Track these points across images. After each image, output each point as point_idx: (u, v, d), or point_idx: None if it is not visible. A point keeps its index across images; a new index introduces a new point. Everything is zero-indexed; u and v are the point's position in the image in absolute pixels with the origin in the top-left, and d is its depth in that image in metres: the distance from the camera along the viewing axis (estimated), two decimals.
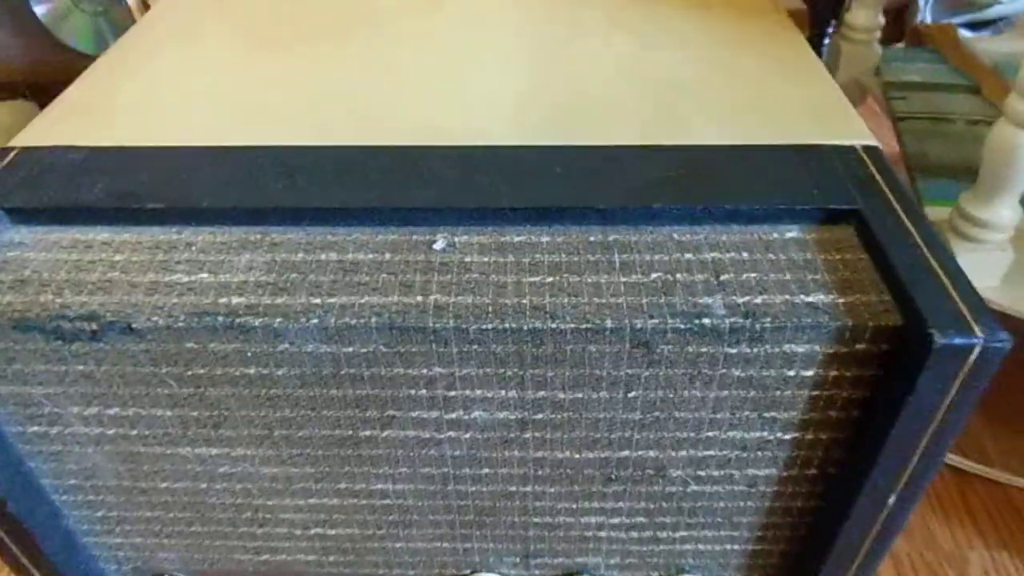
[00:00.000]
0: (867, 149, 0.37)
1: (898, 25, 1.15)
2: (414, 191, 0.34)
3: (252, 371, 0.31)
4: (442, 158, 0.36)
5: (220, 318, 0.29)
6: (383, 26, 0.50)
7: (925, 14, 1.14)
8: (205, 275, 0.31)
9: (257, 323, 0.29)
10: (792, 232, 0.33)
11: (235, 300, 0.30)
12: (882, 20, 0.70)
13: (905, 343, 0.29)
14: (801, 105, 0.40)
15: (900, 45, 0.80)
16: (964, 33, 0.78)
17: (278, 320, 0.29)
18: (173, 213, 0.33)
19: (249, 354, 0.31)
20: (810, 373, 0.31)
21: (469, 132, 0.38)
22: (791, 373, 0.31)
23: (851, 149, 0.37)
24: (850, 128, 0.38)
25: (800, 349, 0.30)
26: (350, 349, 0.30)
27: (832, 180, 0.34)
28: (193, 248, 0.33)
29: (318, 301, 0.30)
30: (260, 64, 0.46)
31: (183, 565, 0.42)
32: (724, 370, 0.31)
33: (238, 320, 0.29)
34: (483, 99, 0.41)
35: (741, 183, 0.34)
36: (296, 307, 0.30)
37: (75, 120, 0.40)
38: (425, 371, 0.31)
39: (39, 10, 0.73)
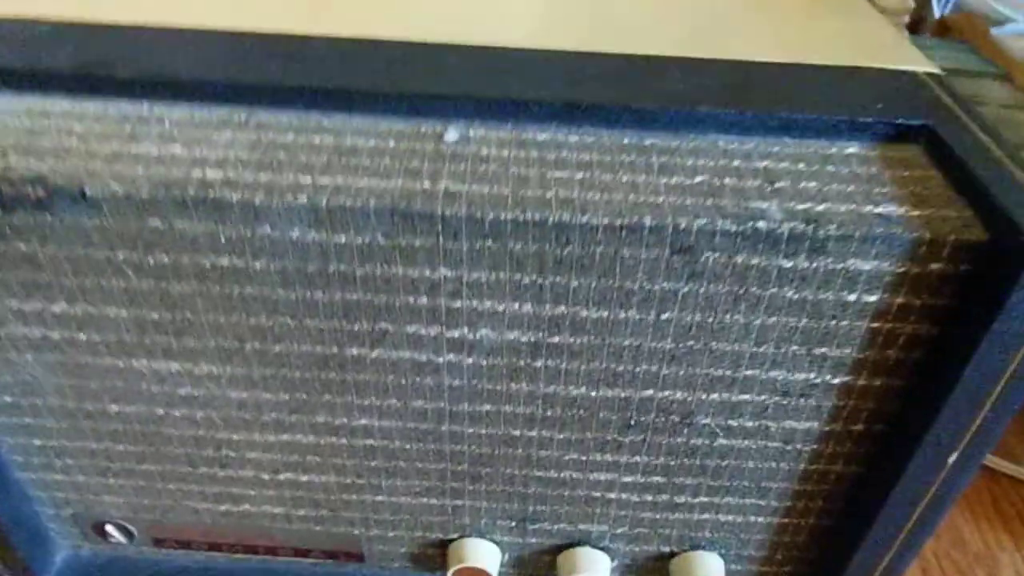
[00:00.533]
0: (931, 75, 0.33)
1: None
2: (423, 79, 0.30)
3: (225, 262, 0.27)
4: (460, 54, 0.32)
5: (191, 190, 0.25)
6: None
7: (937, 16, 1.12)
8: (177, 148, 0.27)
9: (234, 198, 0.25)
10: (852, 147, 0.29)
11: (210, 174, 0.26)
12: (912, 3, 0.68)
13: (992, 260, 0.25)
14: (851, 31, 0.37)
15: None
16: (988, 28, 0.76)
17: (260, 196, 0.25)
18: (146, 84, 0.29)
19: (223, 239, 0.26)
20: (873, 298, 0.27)
21: (492, 33, 0.34)
22: (851, 297, 0.27)
23: (912, 73, 0.33)
24: (909, 55, 0.35)
25: (866, 266, 0.26)
26: (342, 239, 0.26)
27: (896, 97, 0.31)
28: (166, 123, 0.28)
29: (308, 180, 0.26)
30: None
31: (130, 513, 0.37)
32: (775, 289, 0.26)
33: (212, 194, 0.25)
34: (507, 4, 0.37)
35: (795, 96, 0.30)
36: (282, 184, 0.25)
37: None
38: (428, 272, 0.27)
39: None
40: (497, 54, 0.32)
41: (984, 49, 0.67)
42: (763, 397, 0.30)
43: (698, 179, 0.27)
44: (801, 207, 0.26)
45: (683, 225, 0.25)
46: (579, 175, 0.27)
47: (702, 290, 0.27)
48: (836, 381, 0.29)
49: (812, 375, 0.29)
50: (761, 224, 0.25)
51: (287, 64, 0.30)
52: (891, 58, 0.34)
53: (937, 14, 0.89)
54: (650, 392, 0.30)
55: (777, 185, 0.27)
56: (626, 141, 0.29)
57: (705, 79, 0.31)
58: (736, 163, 0.28)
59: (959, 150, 0.27)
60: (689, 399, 0.30)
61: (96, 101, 0.29)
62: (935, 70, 0.33)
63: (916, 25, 0.75)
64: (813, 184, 0.27)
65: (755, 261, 0.26)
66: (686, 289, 0.27)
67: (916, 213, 0.26)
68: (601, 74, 0.31)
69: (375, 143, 0.28)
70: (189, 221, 0.25)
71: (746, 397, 0.30)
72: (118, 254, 0.27)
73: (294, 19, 0.34)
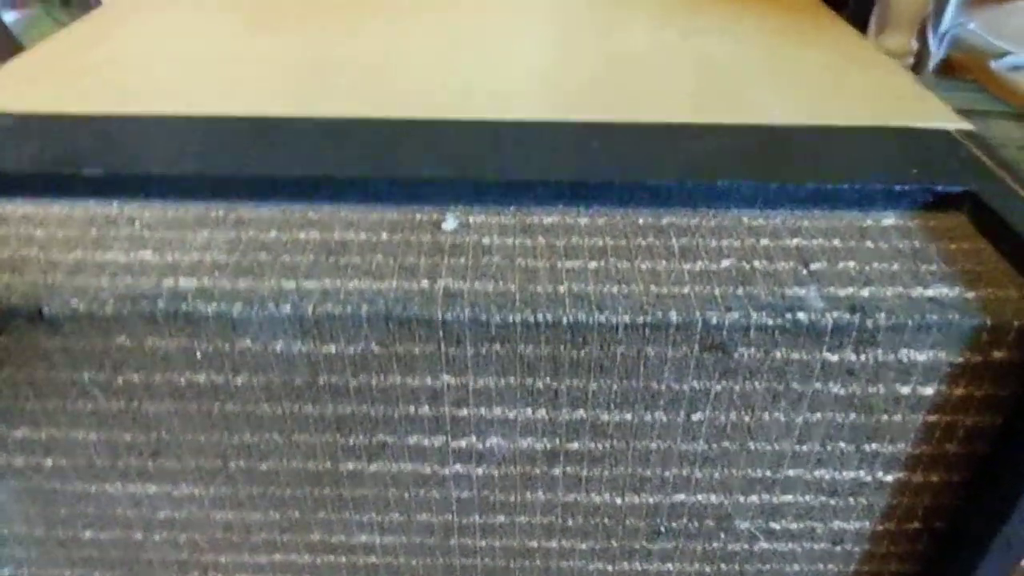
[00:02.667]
0: (963, 132, 0.31)
1: None
2: (417, 163, 0.27)
3: (202, 378, 0.24)
4: (456, 131, 0.30)
5: (161, 303, 0.22)
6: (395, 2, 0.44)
7: (937, 58, 1.11)
8: (148, 254, 0.24)
9: (209, 310, 0.22)
10: (889, 218, 0.27)
11: (183, 283, 0.23)
12: (915, 45, 0.66)
13: None
14: (877, 89, 0.35)
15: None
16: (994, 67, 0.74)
17: (238, 307, 0.22)
18: (115, 182, 0.27)
19: (199, 354, 0.23)
20: (930, 391, 0.24)
21: (490, 107, 0.32)
22: (905, 390, 0.24)
23: (944, 131, 0.31)
24: (938, 112, 0.33)
25: (921, 357, 0.23)
26: (332, 349, 0.23)
27: (932, 160, 0.28)
28: (136, 223, 0.26)
29: (292, 285, 0.23)
30: (245, 33, 0.39)
31: None
32: (819, 384, 0.24)
33: (184, 307, 0.22)
34: (507, 72, 0.35)
35: (822, 162, 0.28)
36: (263, 291, 0.23)
37: (12, 86, 0.34)
38: (429, 380, 0.24)
39: (8, 17, 0.68)
40: (496, 129, 0.30)
41: (990, 86, 0.66)
42: (808, 497, 0.27)
43: (725, 263, 0.24)
44: (843, 293, 0.23)
45: (713, 320, 0.22)
46: (593, 264, 0.24)
47: (737, 388, 0.24)
48: (889, 478, 0.26)
49: (862, 472, 0.26)
50: (801, 315, 0.22)
51: (268, 152, 0.28)
52: (920, 115, 0.32)
53: (935, 54, 0.87)
54: (681, 496, 0.27)
55: (813, 267, 0.24)
56: (641, 221, 0.26)
57: (723, 147, 0.29)
58: (764, 242, 0.25)
59: (1009, 217, 0.25)
60: (725, 502, 0.27)
61: (61, 203, 0.27)
62: (967, 126, 0.31)
63: (916, 65, 0.74)
64: (852, 264, 0.24)
65: (796, 356, 0.23)
66: (719, 387, 0.24)
67: (972, 295, 0.23)
68: (611, 147, 0.29)
69: (366, 236, 0.25)
70: (160, 337, 0.23)
71: (789, 498, 0.27)
72: (83, 375, 0.24)
73: (275, 100, 0.32)
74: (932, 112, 0.32)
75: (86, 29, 0.41)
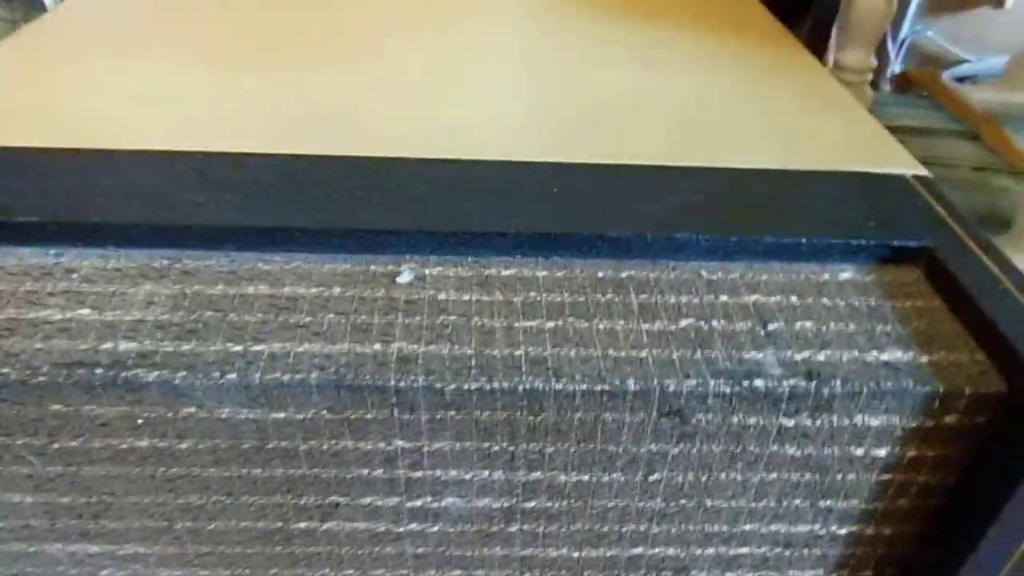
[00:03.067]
0: (920, 179, 0.31)
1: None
2: (373, 210, 0.27)
3: (144, 443, 0.23)
4: (413, 172, 0.29)
5: (99, 371, 0.21)
6: (361, 36, 0.43)
7: (895, 68, 1.13)
8: (86, 311, 0.23)
9: (151, 377, 0.21)
10: (846, 272, 0.27)
11: (123, 346, 0.22)
12: (875, 61, 0.67)
13: (1013, 412, 0.22)
14: (836, 130, 0.35)
15: (885, 90, 0.77)
16: (948, 82, 0.76)
17: (181, 374, 0.21)
18: (50, 230, 0.25)
19: (140, 421, 0.22)
20: (883, 452, 0.24)
21: (451, 145, 0.31)
22: (859, 452, 0.24)
23: (901, 178, 0.31)
24: (895, 155, 0.33)
25: (875, 422, 0.23)
26: (282, 415, 0.22)
27: (889, 211, 0.28)
28: (74, 276, 0.25)
29: (239, 348, 0.22)
30: (195, 64, 0.38)
31: None
32: (775, 447, 0.23)
33: (124, 374, 0.21)
34: (469, 111, 0.34)
35: (781, 212, 0.28)
36: (208, 356, 0.22)
37: None
38: (383, 445, 0.23)
39: None
40: (455, 170, 0.29)
41: (949, 104, 0.67)
42: (763, 549, 0.27)
43: (683, 323, 0.24)
44: (800, 356, 0.23)
45: (671, 387, 0.22)
46: (550, 324, 0.24)
47: (694, 450, 0.24)
48: (843, 531, 0.26)
49: (817, 526, 0.26)
50: (759, 383, 0.22)
51: (217, 195, 0.27)
52: (879, 160, 0.32)
53: (892, 63, 0.89)
54: (639, 550, 0.27)
55: (771, 327, 0.24)
56: (601, 274, 0.26)
57: (685, 194, 0.28)
58: (723, 298, 0.25)
59: (961, 277, 0.25)
60: (682, 555, 0.27)
61: None
62: (924, 172, 0.31)
63: (874, 80, 0.75)
64: (810, 324, 0.24)
65: (753, 420, 0.23)
66: (676, 450, 0.23)
67: (925, 359, 0.23)
68: (572, 193, 0.28)
69: (317, 291, 0.24)
70: (99, 405, 0.22)
71: (745, 550, 0.27)
72: (15, 440, 0.23)
73: (224, 136, 0.31)
74: (891, 157, 0.32)
75: (23, 47, 0.39)
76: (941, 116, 0.66)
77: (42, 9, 0.65)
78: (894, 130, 0.59)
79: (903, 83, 0.75)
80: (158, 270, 0.25)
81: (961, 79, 1.14)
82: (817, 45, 0.75)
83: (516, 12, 0.48)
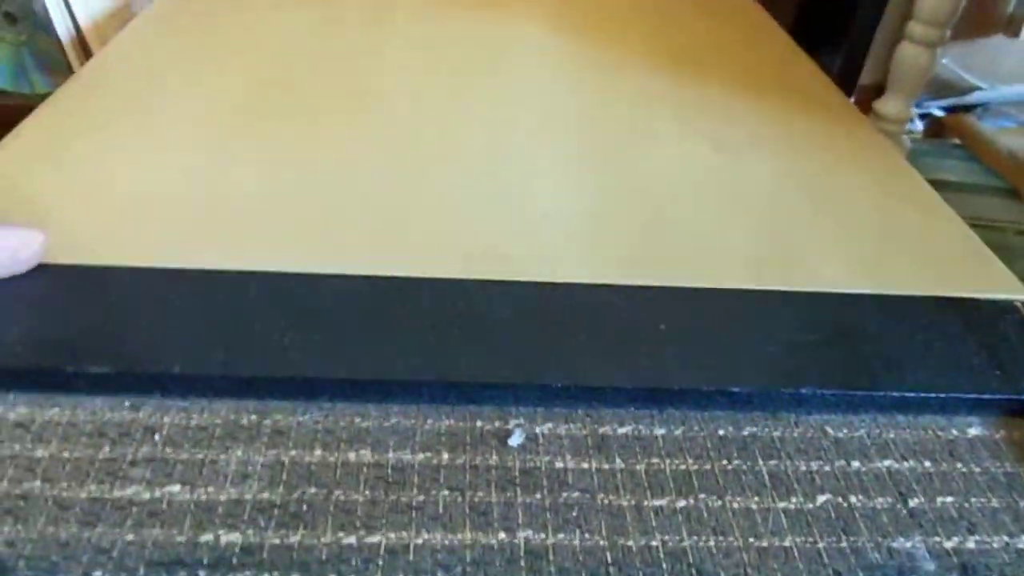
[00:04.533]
0: None
1: (865, 106, 1.13)
2: (471, 353, 0.25)
3: None
4: (500, 297, 0.27)
5: (202, 573, 0.19)
6: (397, 126, 0.41)
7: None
8: (176, 488, 0.21)
9: None
10: (974, 428, 0.25)
11: (224, 537, 0.20)
12: (912, 111, 0.66)
13: None
14: (931, 240, 0.33)
15: (917, 134, 0.76)
16: (978, 123, 0.75)
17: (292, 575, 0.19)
18: (126, 380, 0.23)
19: None
20: None
21: (531, 263, 0.29)
22: None
23: (1012, 307, 0.29)
24: (998, 276, 0.31)
25: None
26: None
27: (1009, 353, 0.27)
28: (157, 438, 0.22)
29: (351, 541, 0.20)
30: (243, 159, 0.35)
31: None
32: None
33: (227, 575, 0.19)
34: (542, 220, 0.32)
35: (901, 357, 0.26)
36: (319, 552, 0.20)
37: None
38: None
39: None
40: (538, 294, 0.27)
41: (985, 156, 0.66)
42: None
43: (821, 500, 0.22)
44: (950, 544, 0.21)
45: None
46: (682, 503, 0.22)
47: None
48: None
49: None
50: None
51: (302, 336, 0.25)
52: (983, 280, 0.30)
53: (918, 125, 0.87)
54: None
55: (912, 504, 0.22)
56: (722, 433, 0.24)
57: (792, 333, 0.27)
58: (856, 464, 0.23)
59: None
60: None
61: (61, 401, 0.23)
62: None
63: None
64: (951, 499, 0.23)
65: None
66: None
67: None
68: (678, 329, 0.26)
69: (425, 458, 0.22)
70: None
71: None
72: None
73: (295, 249, 0.29)
74: (993, 277, 0.31)
75: (33, 141, 0.36)
76: (977, 169, 0.65)
77: (49, 30, 0.61)
78: (934, 184, 0.58)
79: (937, 129, 0.74)
80: (247, 429, 0.23)
81: (974, 107, 1.14)
82: (849, 76, 0.74)
83: (550, 72, 0.45)
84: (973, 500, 0.23)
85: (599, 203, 0.33)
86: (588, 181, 0.35)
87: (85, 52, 0.66)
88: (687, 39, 0.52)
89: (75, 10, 0.66)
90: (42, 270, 0.26)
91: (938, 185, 0.64)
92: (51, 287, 0.26)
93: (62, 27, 0.65)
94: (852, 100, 0.66)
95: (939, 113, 1.09)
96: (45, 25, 0.62)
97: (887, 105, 0.64)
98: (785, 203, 0.35)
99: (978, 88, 1.13)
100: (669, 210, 0.33)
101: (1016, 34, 1.10)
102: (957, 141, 0.69)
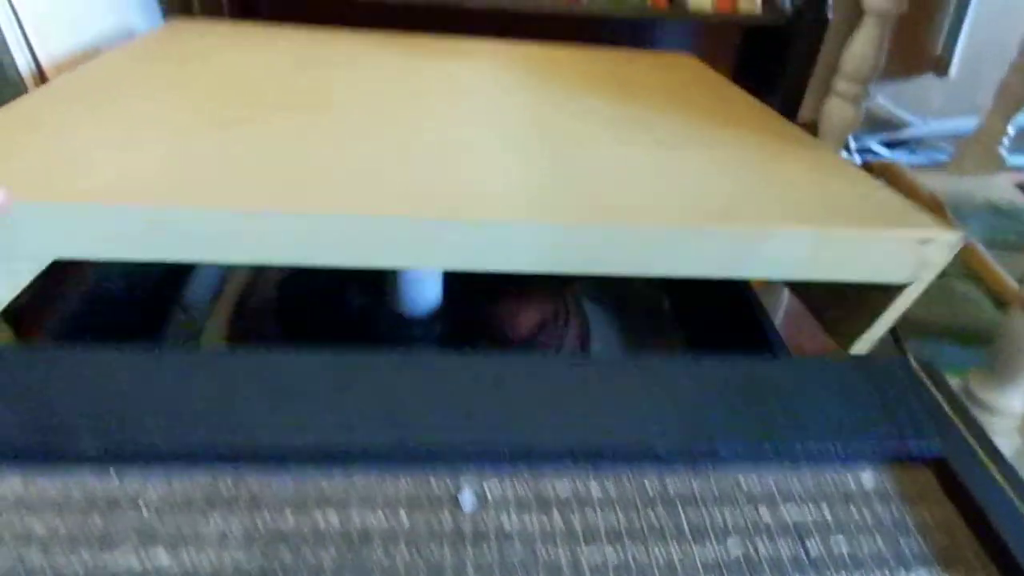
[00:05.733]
0: (923, 366, 0.34)
1: None
2: (428, 419, 0.28)
3: None
4: (452, 367, 0.30)
5: None
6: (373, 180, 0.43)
7: None
8: (161, 553, 0.24)
9: None
10: (867, 475, 0.29)
11: None
12: (853, 144, 0.71)
13: None
14: (859, 197, 0.37)
15: None
16: (886, 155, 0.80)
17: None
18: (114, 455, 0.26)
19: None
20: None
21: (476, 211, 0.32)
22: None
23: (904, 363, 0.33)
24: (912, 215, 0.35)
25: None
26: None
27: (900, 407, 0.31)
28: (143, 506, 0.25)
29: None
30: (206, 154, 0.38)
31: None
32: None
33: None
34: (490, 195, 0.35)
35: (804, 410, 0.30)
36: None
37: None
38: None
39: None
40: (486, 361, 0.30)
41: (904, 193, 0.71)
42: None
43: (731, 545, 0.26)
44: None
45: None
46: (609, 550, 0.25)
47: None
48: None
49: None
50: None
51: (275, 405, 0.27)
52: (900, 218, 0.35)
53: (856, 160, 0.93)
54: None
55: (809, 545, 0.26)
56: (649, 489, 0.27)
57: (705, 392, 0.30)
58: (763, 513, 0.27)
59: (972, 489, 0.28)
60: None
61: (51, 476, 0.25)
62: (924, 361, 0.34)
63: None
64: (842, 539, 0.26)
65: None
66: None
67: None
68: (608, 391, 0.30)
69: (385, 518, 0.25)
70: None
71: None
72: None
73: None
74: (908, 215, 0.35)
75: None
76: None
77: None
78: None
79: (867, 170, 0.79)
80: (225, 496, 0.25)
81: (905, 142, 1.21)
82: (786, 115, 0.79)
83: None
84: (863, 541, 0.26)
85: (546, 183, 0.37)
86: (534, 169, 0.38)
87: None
88: (632, 78, 0.56)
89: (38, 54, 0.67)
90: (23, 349, 0.29)
91: None
92: (31, 361, 0.28)
93: (24, 68, 0.65)
94: None
95: (878, 147, 1.16)
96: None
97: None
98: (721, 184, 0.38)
99: (911, 124, 1.20)
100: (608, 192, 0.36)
101: (944, 73, 1.18)
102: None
